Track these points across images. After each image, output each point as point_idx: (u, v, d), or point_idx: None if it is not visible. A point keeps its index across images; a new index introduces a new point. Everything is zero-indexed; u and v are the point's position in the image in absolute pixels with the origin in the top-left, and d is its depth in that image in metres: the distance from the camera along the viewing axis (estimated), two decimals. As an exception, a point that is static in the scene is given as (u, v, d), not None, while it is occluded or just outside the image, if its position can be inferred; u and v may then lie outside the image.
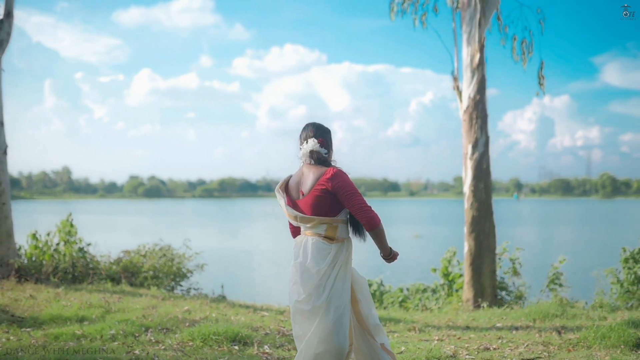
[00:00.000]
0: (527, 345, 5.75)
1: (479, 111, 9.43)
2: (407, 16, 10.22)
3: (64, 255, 9.26)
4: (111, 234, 31.18)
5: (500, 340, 6.02)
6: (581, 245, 30.90)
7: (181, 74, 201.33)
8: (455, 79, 9.84)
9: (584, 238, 36.44)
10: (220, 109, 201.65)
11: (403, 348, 5.58)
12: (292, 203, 3.63)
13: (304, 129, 3.72)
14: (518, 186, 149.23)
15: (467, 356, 5.30)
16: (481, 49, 9.41)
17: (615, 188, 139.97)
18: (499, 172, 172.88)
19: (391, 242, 3.63)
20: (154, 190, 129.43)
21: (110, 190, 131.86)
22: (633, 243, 10.05)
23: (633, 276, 10.60)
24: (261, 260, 27.47)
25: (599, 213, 70.93)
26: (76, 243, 9.44)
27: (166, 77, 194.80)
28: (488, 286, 9.39)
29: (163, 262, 9.36)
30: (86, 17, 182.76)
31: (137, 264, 9.36)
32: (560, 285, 10.50)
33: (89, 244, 9.67)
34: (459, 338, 6.23)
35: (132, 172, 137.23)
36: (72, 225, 9.49)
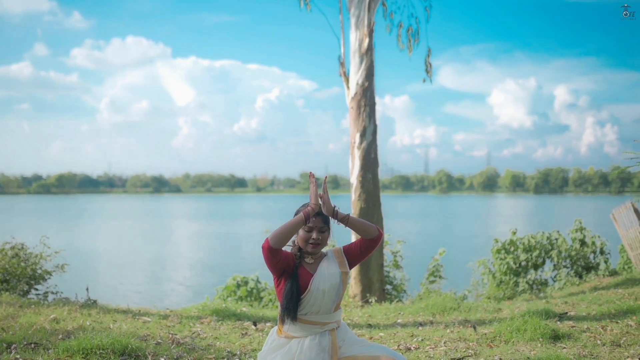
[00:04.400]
0: (445, 343, 5.39)
1: (367, 98, 9.05)
2: (292, -4, 9.64)
3: None
4: None
5: (414, 339, 5.61)
6: (433, 237, 32.08)
7: (13, 62, 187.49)
8: (342, 65, 9.39)
9: (431, 230, 37.98)
10: (57, 100, 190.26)
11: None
12: None
13: None
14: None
15: (392, 359, 4.80)
16: (370, 33, 9.03)
17: (451, 184, 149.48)
18: (343, 170, 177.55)
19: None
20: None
21: None
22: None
23: (505, 266, 10.82)
24: (112, 259, 25.84)
25: (442, 207, 74.82)
26: None
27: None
28: (376, 280, 9.05)
29: (15, 262, 8.04)
30: None
31: (-18, 266, 7.97)
32: (440, 277, 10.49)
33: None
34: (370, 338, 5.74)
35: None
36: None
